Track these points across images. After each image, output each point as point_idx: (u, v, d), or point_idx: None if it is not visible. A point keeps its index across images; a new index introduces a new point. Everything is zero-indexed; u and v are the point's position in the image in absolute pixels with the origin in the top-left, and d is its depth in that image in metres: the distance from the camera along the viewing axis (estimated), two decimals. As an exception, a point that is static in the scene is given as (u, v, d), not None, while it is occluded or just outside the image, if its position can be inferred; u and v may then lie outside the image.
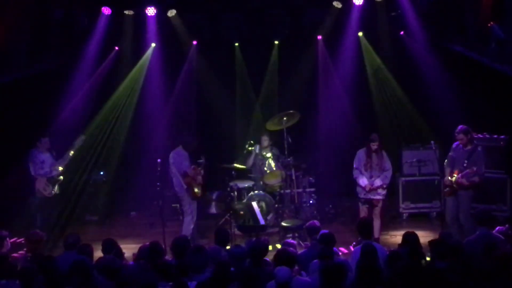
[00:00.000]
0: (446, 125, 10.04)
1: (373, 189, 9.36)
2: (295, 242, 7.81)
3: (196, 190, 9.58)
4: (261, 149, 10.89)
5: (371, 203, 9.46)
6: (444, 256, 6.18)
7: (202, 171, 9.76)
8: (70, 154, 9.84)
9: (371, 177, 9.41)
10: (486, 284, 5.53)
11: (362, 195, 9.48)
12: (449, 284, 5.61)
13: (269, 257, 6.78)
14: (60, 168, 9.77)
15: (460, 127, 8.80)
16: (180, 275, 6.00)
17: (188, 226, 9.63)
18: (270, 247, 7.78)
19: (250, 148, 11.05)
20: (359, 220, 8.12)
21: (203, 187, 9.80)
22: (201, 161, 9.88)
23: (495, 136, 10.35)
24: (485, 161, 9.02)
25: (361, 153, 9.54)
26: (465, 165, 8.71)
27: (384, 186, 9.39)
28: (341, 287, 5.56)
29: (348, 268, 5.94)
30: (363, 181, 9.39)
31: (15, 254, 7.82)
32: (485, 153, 9.14)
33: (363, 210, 9.53)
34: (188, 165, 9.61)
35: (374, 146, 9.37)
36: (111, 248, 6.92)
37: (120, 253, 7.05)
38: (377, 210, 9.47)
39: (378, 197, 9.41)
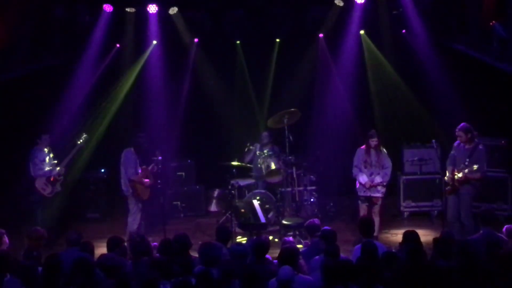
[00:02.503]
0: (447, 123, 10.03)
1: (373, 186, 9.37)
2: (292, 239, 7.82)
3: (141, 192, 9.60)
4: (261, 146, 10.91)
5: (370, 201, 9.48)
6: (446, 255, 6.18)
7: (160, 167, 9.69)
8: (73, 154, 9.88)
9: (371, 174, 9.44)
10: (490, 284, 5.52)
11: (361, 193, 9.50)
12: (451, 283, 5.61)
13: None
14: (58, 168, 9.79)
15: (461, 125, 8.80)
16: (183, 272, 6.01)
17: (131, 226, 9.62)
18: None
19: (251, 147, 11.08)
20: (360, 219, 8.12)
21: (152, 188, 9.75)
22: (155, 158, 9.74)
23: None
24: (487, 160, 9.01)
25: (360, 151, 9.56)
26: (466, 163, 8.71)
27: (384, 183, 9.41)
28: (344, 285, 5.55)
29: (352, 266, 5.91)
30: (363, 178, 9.41)
31: None
32: (487, 152, 9.12)
33: (362, 208, 9.55)
34: (134, 171, 9.54)
35: (373, 142, 9.40)
36: (116, 246, 6.91)
37: (124, 251, 7.05)
38: (376, 208, 9.48)
39: (377, 194, 9.43)
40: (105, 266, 6.29)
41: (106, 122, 11.85)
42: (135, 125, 12.00)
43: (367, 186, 9.38)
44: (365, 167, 9.45)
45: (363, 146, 9.55)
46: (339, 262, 5.87)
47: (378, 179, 9.38)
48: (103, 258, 6.68)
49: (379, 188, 9.40)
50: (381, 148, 9.51)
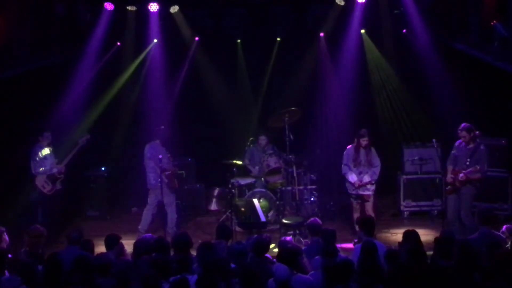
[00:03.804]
0: (448, 123, 10.04)
1: (361, 185, 9.40)
2: (291, 239, 7.82)
3: (174, 182, 10.07)
4: (259, 149, 10.95)
5: (362, 199, 9.52)
6: (447, 255, 6.18)
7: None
8: (74, 153, 9.90)
9: (360, 173, 9.47)
10: (489, 283, 5.53)
11: (351, 191, 9.55)
12: (451, 282, 5.61)
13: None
14: (59, 166, 9.82)
15: (463, 124, 8.80)
16: (181, 270, 6.01)
17: (172, 216, 10.01)
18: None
19: (251, 146, 11.11)
20: (361, 218, 8.12)
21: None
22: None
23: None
24: (488, 160, 9.00)
25: (350, 150, 9.60)
26: (467, 163, 8.70)
27: (373, 182, 9.45)
28: (344, 285, 5.56)
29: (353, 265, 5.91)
30: (352, 177, 9.46)
31: None
32: (487, 151, 9.12)
33: (355, 206, 9.62)
34: (167, 160, 9.90)
35: (364, 141, 9.43)
36: (114, 244, 6.92)
37: (122, 249, 7.05)
38: (368, 206, 9.54)
39: (367, 192, 9.48)
40: (104, 264, 6.28)
41: (106, 120, 11.86)
42: (136, 124, 12.03)
43: (356, 185, 9.43)
44: (355, 166, 9.50)
45: (352, 145, 9.59)
46: (339, 262, 5.87)
47: (366, 178, 9.43)
48: (103, 257, 6.67)
49: (368, 186, 9.45)
50: (371, 147, 9.51)
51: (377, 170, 9.47)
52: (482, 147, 8.81)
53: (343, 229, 9.92)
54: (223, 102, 12.43)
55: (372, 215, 9.24)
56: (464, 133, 8.76)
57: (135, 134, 11.92)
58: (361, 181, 9.42)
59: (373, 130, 10.13)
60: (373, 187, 9.49)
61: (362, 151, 9.49)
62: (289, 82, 12.29)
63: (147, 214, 10.06)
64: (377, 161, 9.51)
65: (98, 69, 11.74)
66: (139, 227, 9.96)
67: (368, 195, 9.49)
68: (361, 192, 9.48)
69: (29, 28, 10.54)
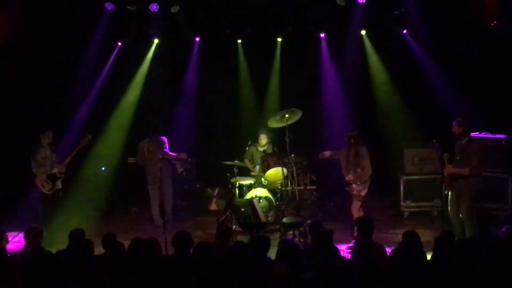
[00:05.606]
0: (448, 123, 10.02)
1: (345, 182, 9.51)
2: (291, 238, 7.82)
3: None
4: (259, 149, 10.96)
5: (351, 196, 9.62)
6: (447, 255, 6.18)
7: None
8: (74, 152, 9.92)
9: (348, 170, 9.52)
10: (488, 283, 5.53)
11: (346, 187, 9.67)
12: (451, 282, 5.61)
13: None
14: (59, 166, 9.83)
15: (459, 118, 8.82)
16: (181, 269, 6.01)
17: (169, 201, 10.40)
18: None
19: (252, 147, 11.12)
20: (358, 218, 8.13)
21: None
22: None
23: (497, 135, 10.32)
24: (481, 157, 8.93)
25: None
26: (458, 158, 8.70)
27: (358, 182, 9.44)
28: (342, 285, 5.55)
29: (351, 266, 5.91)
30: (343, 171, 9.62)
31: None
32: (487, 152, 9.09)
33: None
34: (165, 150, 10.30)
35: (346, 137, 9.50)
36: (111, 243, 6.91)
37: (122, 248, 7.04)
38: (353, 206, 9.57)
39: (353, 191, 9.55)
40: (103, 264, 6.28)
41: (106, 120, 11.88)
42: (136, 123, 12.04)
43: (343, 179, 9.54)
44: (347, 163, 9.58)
45: None
46: (338, 263, 5.87)
47: (349, 177, 9.47)
48: (103, 256, 6.68)
49: (353, 185, 9.46)
50: (361, 147, 9.50)
51: (364, 172, 9.43)
52: (473, 142, 8.79)
53: (343, 229, 9.90)
54: (223, 102, 12.44)
55: (355, 215, 9.23)
56: (454, 123, 8.80)
57: (135, 133, 11.93)
58: (343, 177, 9.51)
59: (373, 130, 10.12)
60: (358, 188, 9.48)
61: (351, 149, 9.50)
62: (289, 82, 12.31)
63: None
64: (364, 163, 9.45)
65: (98, 69, 11.77)
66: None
67: (355, 195, 9.54)
68: (348, 190, 9.57)
69: (30, 28, 10.56)
